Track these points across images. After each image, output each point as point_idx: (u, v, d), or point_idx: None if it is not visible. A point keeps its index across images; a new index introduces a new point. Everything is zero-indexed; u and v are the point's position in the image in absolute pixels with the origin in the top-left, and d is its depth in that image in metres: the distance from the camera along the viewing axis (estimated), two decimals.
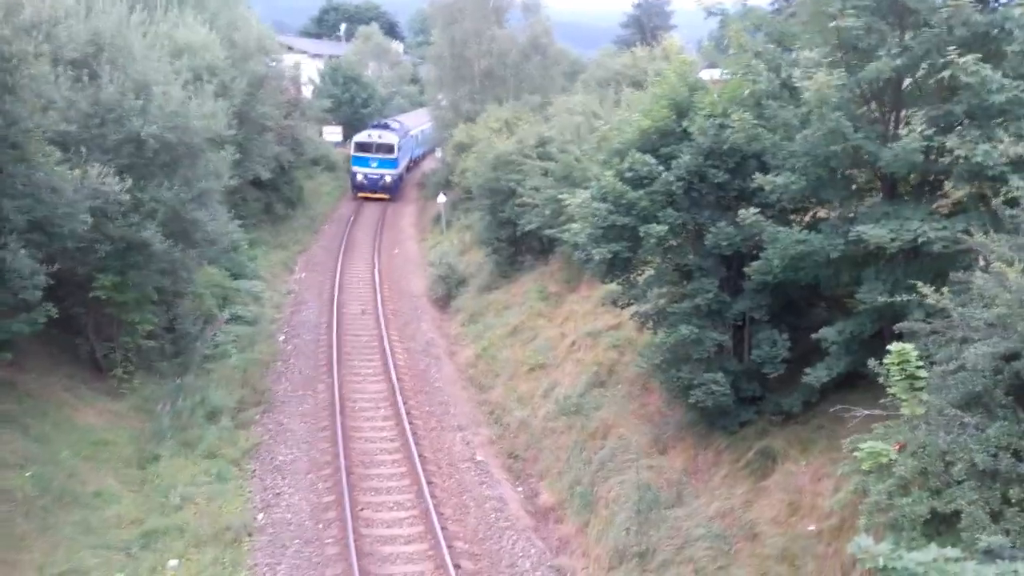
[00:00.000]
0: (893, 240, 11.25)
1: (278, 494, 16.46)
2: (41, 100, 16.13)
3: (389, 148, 48.77)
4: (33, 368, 17.73)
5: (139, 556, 13.59)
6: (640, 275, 16.43)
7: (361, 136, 49.39)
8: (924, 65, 11.83)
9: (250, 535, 14.84)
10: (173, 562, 13.48)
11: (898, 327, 10.36)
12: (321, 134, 52.72)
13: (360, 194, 49.13)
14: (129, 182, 17.28)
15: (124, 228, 18.11)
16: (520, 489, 17.53)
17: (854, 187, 13.16)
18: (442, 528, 15.04)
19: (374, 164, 48.60)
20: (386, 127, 50.76)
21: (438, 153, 51.88)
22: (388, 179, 49.20)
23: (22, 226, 15.08)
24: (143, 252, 18.81)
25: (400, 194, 50.78)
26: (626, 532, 13.88)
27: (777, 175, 12.80)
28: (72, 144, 17.36)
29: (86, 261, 17.91)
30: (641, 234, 14.45)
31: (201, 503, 15.38)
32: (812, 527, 11.31)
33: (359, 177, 49.04)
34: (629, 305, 16.94)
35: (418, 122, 59.55)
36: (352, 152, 49.23)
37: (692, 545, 12.66)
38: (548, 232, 24.44)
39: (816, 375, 12.59)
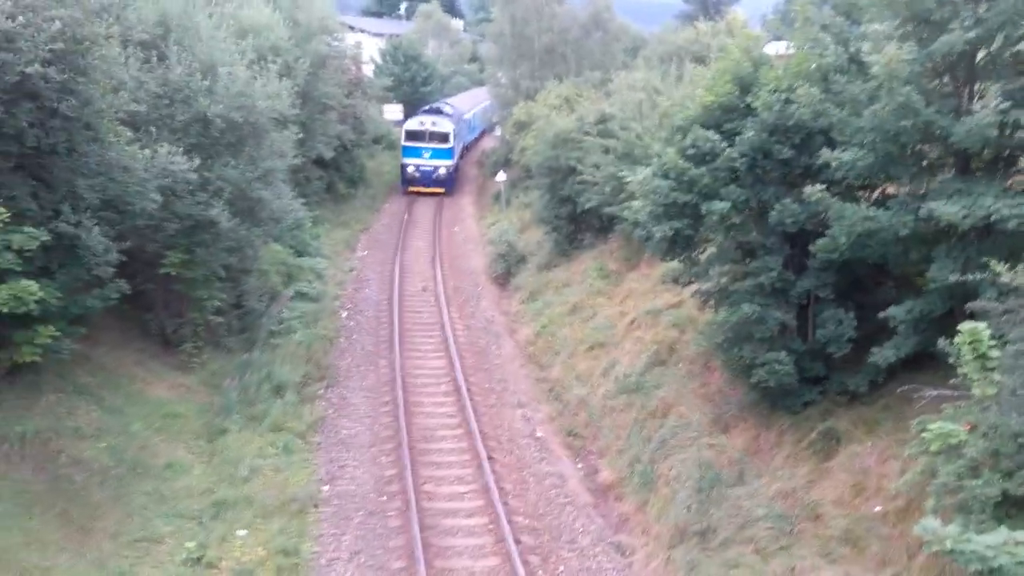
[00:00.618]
0: (965, 217, 10.92)
1: (342, 467, 16.81)
2: (112, 81, 16.54)
3: (443, 137, 44.39)
4: (106, 342, 18.33)
5: (209, 525, 14.02)
6: (702, 253, 16.25)
7: (412, 123, 45.07)
8: (999, 37, 11.40)
9: (316, 506, 15.20)
10: (242, 531, 13.88)
11: (969, 306, 10.06)
12: (382, 113, 52.77)
13: (411, 188, 44.51)
14: (197, 161, 17.68)
15: (192, 206, 18.56)
16: (580, 466, 17.60)
17: (925, 163, 12.78)
18: (503, 503, 15.19)
19: (427, 155, 44.22)
20: (439, 112, 46.62)
21: (497, 131, 51.38)
22: (443, 171, 44.69)
23: (95, 204, 15.54)
24: (210, 230, 19.25)
25: (455, 186, 46.67)
26: (687, 510, 13.84)
27: (844, 151, 12.51)
28: (142, 124, 17.81)
29: (156, 239, 18.42)
30: (703, 211, 14.28)
31: (268, 475, 15.78)
32: (877, 508, 11.13)
33: (410, 169, 44.44)
34: (690, 283, 16.79)
35: (473, 102, 57.47)
36: (402, 141, 44.81)
37: (753, 525, 12.57)
38: (608, 210, 24.30)
39: (883, 355, 12.34)
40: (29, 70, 13.41)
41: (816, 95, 12.77)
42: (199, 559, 12.97)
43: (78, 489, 13.62)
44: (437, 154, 44.39)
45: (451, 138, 44.48)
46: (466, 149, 54.97)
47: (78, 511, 13.20)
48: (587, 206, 26.28)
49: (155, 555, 13.02)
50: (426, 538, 14.10)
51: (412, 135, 44.24)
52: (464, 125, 51.63)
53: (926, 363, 12.30)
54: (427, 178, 44.42)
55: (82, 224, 15.04)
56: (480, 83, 66.01)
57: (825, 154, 12.65)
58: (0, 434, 13.67)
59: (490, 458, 16.92)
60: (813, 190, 12.64)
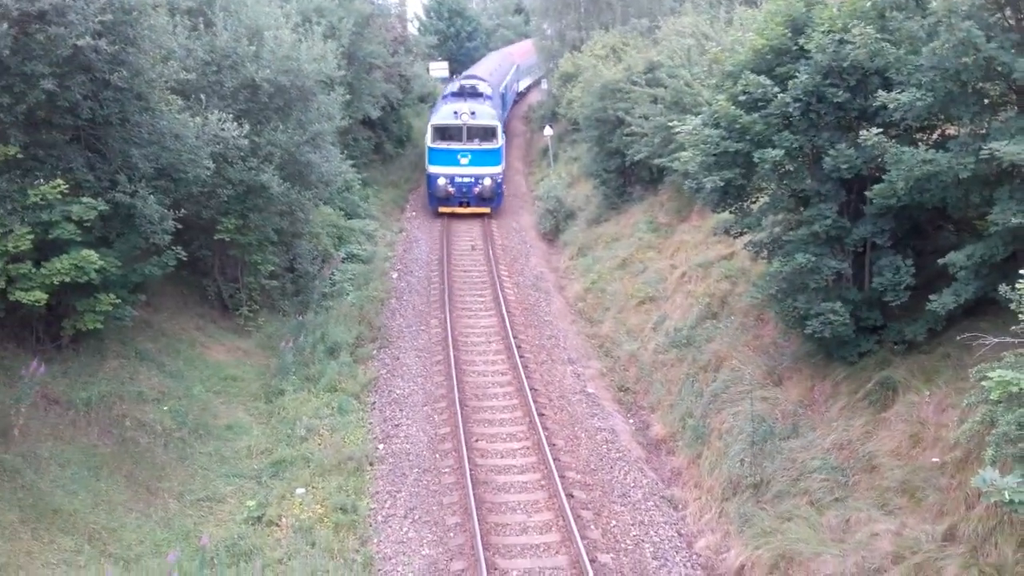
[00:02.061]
0: None
1: (396, 425, 17.06)
2: (161, 50, 16.72)
3: (488, 132, 32.18)
4: (166, 309, 18.79)
5: (269, 484, 14.39)
6: (754, 203, 15.92)
7: (443, 115, 32.47)
8: None
9: (371, 464, 15.48)
10: (300, 490, 14.22)
11: None
12: (428, 71, 52.41)
13: (443, 209, 31.95)
14: (246, 127, 17.85)
15: (244, 172, 18.80)
16: (631, 421, 17.58)
17: (986, 101, 12.24)
18: (554, 459, 15.27)
19: (465, 159, 31.55)
20: (476, 93, 34.51)
21: (544, 85, 50.55)
22: (488, 181, 31.61)
23: (150, 173, 15.83)
24: (262, 195, 19.50)
25: (503, 200, 33.92)
26: (740, 464, 13.75)
27: (902, 92, 12.06)
28: (191, 92, 18.02)
29: (210, 205, 18.72)
30: (755, 160, 13.95)
31: (325, 434, 16.10)
32: (935, 459, 10.91)
33: (441, 182, 31.44)
34: (742, 234, 16.49)
35: (510, 61, 50.60)
36: (428, 142, 32.28)
37: (808, 477, 12.43)
38: (657, 161, 23.90)
39: (942, 302, 11.99)
40: (80, 43, 13.60)
41: (872, 34, 12.31)
42: (260, 517, 13.34)
43: (143, 451, 14.07)
44: (480, 158, 31.75)
45: (497, 133, 32.22)
46: (515, 103, 52.40)
47: (144, 472, 13.65)
48: (636, 158, 25.90)
49: (218, 514, 13.43)
50: (479, 494, 14.27)
51: (443, 133, 31.94)
52: (504, 97, 42.56)
53: (987, 310, 11.96)
54: (466, 193, 31.72)
55: (138, 193, 15.35)
56: (525, 35, 65.08)
57: (882, 96, 12.23)
58: (67, 400, 14.16)
59: (541, 415, 17.00)
60: (869, 134, 12.26)
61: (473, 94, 34.33)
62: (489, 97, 35.13)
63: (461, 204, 31.71)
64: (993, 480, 6.73)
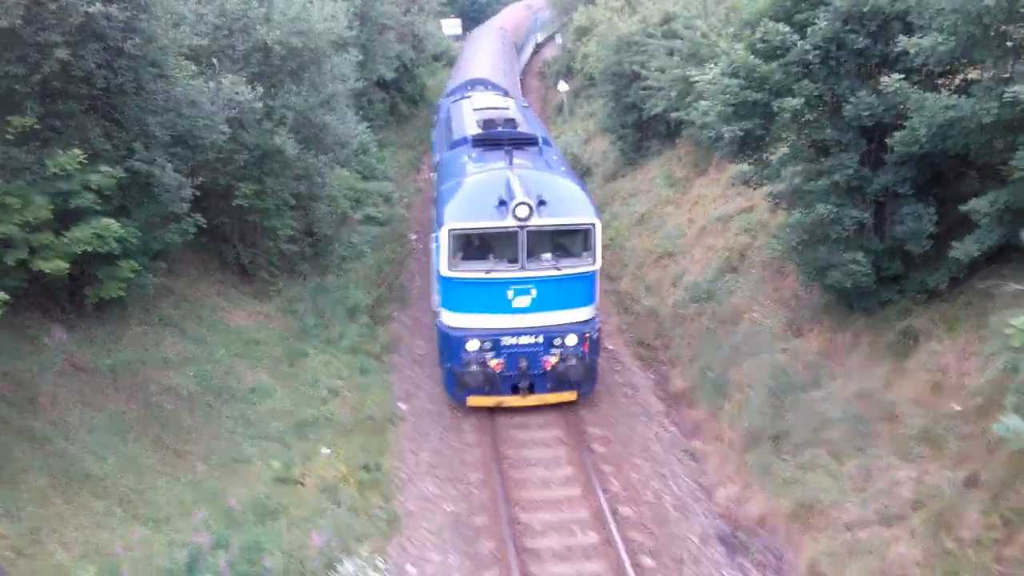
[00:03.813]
0: None
1: (418, 385, 17.19)
2: (172, 16, 16.63)
3: (574, 239, 15.31)
4: (187, 275, 18.92)
5: (293, 445, 14.58)
6: (773, 154, 15.74)
7: (470, 203, 15.10)
8: None
9: (394, 424, 15.63)
10: (325, 450, 14.41)
11: None
12: (440, 28, 51.89)
13: (477, 401, 15.56)
14: (260, 90, 17.78)
15: (259, 136, 18.76)
16: (651, 376, 17.61)
17: (1009, 44, 11.95)
18: (574, 414, 15.34)
19: (524, 299, 15.03)
20: (519, 141, 17.29)
21: (558, 39, 49.87)
22: (574, 341, 15.22)
23: (166, 141, 15.85)
24: (278, 159, 19.47)
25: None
26: (760, 415, 13.76)
27: (923, 37, 11.81)
28: (204, 57, 17.94)
29: (226, 171, 18.73)
30: (775, 109, 13.76)
31: (347, 395, 16.26)
32: (956, 407, 10.87)
33: (471, 349, 15.16)
34: (762, 186, 16.32)
35: (511, 41, 45.17)
36: (441, 254, 15.05)
37: (829, 427, 12.44)
38: (674, 115, 23.66)
39: (965, 249, 11.84)
40: (91, 9, 13.55)
41: None
42: (285, 478, 13.53)
43: (169, 415, 14.27)
44: (554, 294, 15.21)
45: (593, 237, 15.18)
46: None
47: (170, 436, 13.86)
48: (653, 112, 25.63)
49: (244, 475, 13.63)
50: (501, 450, 14.40)
51: (473, 242, 15.25)
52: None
53: (1011, 256, 11.82)
54: (528, 368, 15.39)
55: (156, 161, 15.38)
56: None
57: (903, 41, 11.99)
58: (92, 367, 14.36)
59: None
60: (891, 80, 12.05)
61: (515, 143, 16.87)
62: (543, 144, 17.77)
63: (518, 390, 15.56)
64: (1015, 427, 6.71)
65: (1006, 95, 10.89)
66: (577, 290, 15.16)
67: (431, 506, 13.26)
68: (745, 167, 16.31)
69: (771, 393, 13.83)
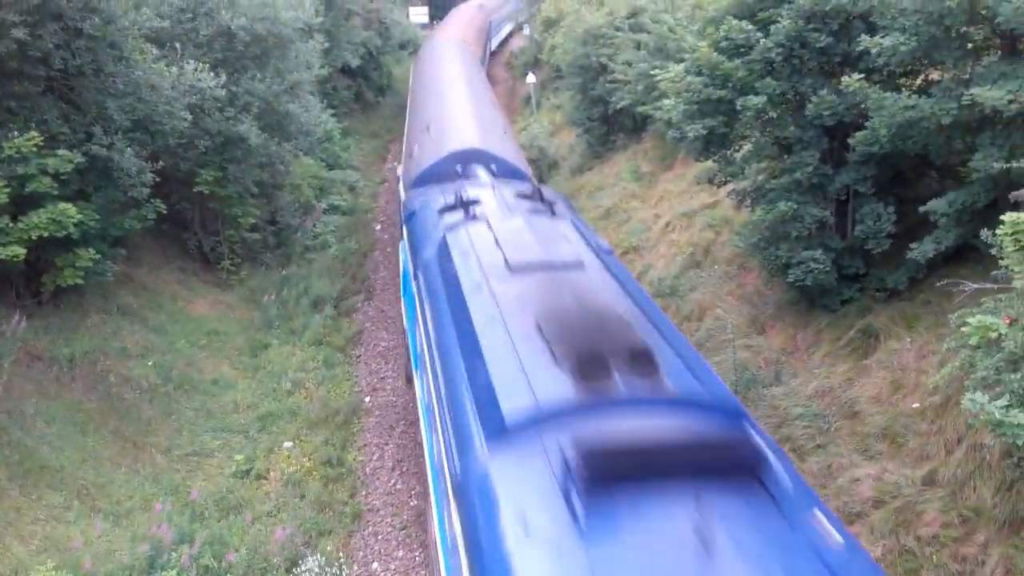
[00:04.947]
0: (1011, 102, 10.45)
1: (383, 378, 17.10)
2: None
3: None
4: (147, 263, 18.63)
5: (256, 438, 14.43)
6: (737, 151, 15.84)
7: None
8: None
9: (358, 417, 15.55)
10: (288, 443, 14.29)
11: (1014, 196, 9.74)
12: (408, 16, 51.45)
13: None
14: (223, 77, 17.52)
15: (221, 123, 18.50)
16: None
17: (969, 46, 12.17)
18: None
19: None
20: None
21: (526, 30, 49.71)
22: None
23: (126, 125, 15.58)
24: (241, 146, 19.23)
25: None
26: None
27: (884, 36, 11.96)
28: (166, 40, 17.63)
29: (188, 157, 18.47)
30: (738, 107, 13.84)
31: (311, 388, 16.12)
32: (915, 404, 11.08)
33: None
34: (726, 183, 16.43)
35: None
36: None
37: (790, 424, 12.59)
38: (641, 109, 23.71)
39: (923, 249, 12.06)
40: None
41: None
42: (248, 471, 13.41)
43: (128, 407, 14.06)
44: None
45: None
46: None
47: (130, 428, 13.66)
48: (619, 106, 25.67)
49: (206, 468, 13.49)
50: None
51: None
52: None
53: (968, 256, 12.04)
54: None
55: (115, 146, 15.11)
56: None
57: (865, 40, 12.14)
58: (50, 356, 14.08)
59: None
60: (852, 80, 12.19)
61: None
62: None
63: None
64: (982, 403, 6.90)
65: (965, 97, 11.07)
66: None
67: (396, 501, 13.22)
68: (710, 165, 16.42)
69: (734, 390, 13.92)
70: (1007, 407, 7.09)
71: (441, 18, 55.82)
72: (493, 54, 48.82)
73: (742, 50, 13.87)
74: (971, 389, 8.66)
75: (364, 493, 13.38)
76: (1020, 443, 7.04)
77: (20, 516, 11.05)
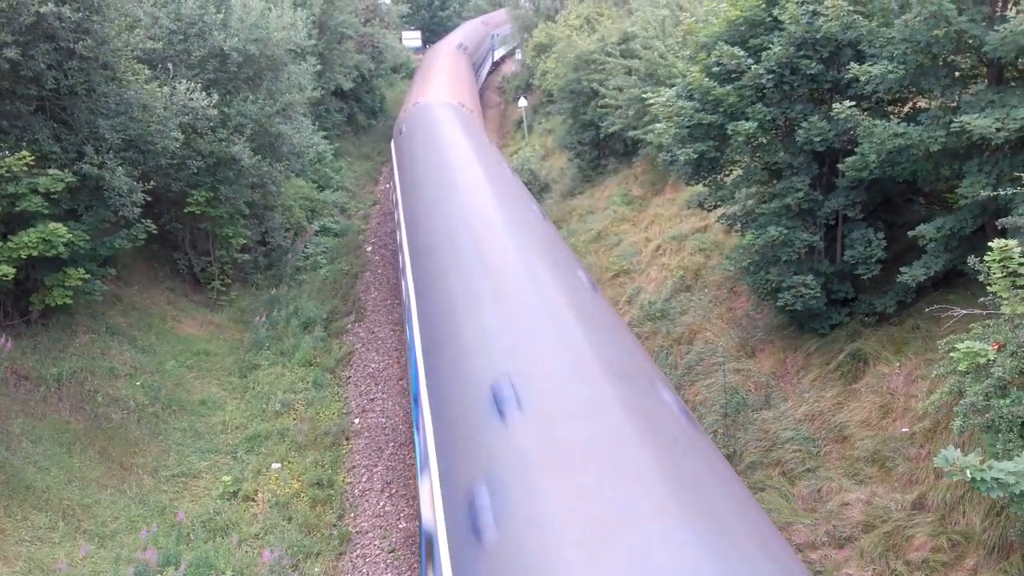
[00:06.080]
0: (998, 130, 10.57)
1: (372, 399, 17.04)
2: (126, 18, 16.39)
3: None
4: (136, 283, 18.56)
5: (244, 459, 14.33)
6: (727, 175, 15.96)
7: None
8: None
9: (347, 439, 15.47)
10: (276, 465, 14.19)
11: (1001, 222, 9.85)
12: (400, 40, 51.81)
13: None
14: (215, 97, 17.58)
15: (213, 143, 18.54)
16: None
17: (957, 74, 12.32)
18: None
19: None
20: None
21: (518, 55, 50.07)
22: None
23: (117, 145, 15.58)
24: (232, 167, 19.26)
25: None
26: (713, 435, 13.88)
27: (874, 64, 12.09)
28: (158, 61, 17.71)
29: (179, 177, 18.46)
30: (729, 132, 13.96)
31: (300, 409, 16.04)
32: (904, 429, 11.10)
33: None
34: (716, 207, 16.54)
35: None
36: None
37: (780, 448, 12.59)
38: (632, 134, 23.89)
39: (912, 274, 12.13)
40: (43, 9, 13.32)
41: (845, 6, 12.32)
42: (236, 492, 13.30)
43: (116, 427, 13.94)
44: None
45: None
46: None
47: (117, 448, 13.54)
48: (610, 130, 25.84)
49: (193, 490, 13.37)
50: None
51: None
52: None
53: (957, 282, 12.12)
54: None
55: (106, 165, 15.11)
56: (499, 5, 64.40)
57: (854, 68, 12.27)
58: (37, 375, 13.98)
59: None
60: (842, 107, 12.30)
61: None
62: None
63: None
64: (955, 459, 6.84)
65: (953, 124, 11.20)
66: None
67: (385, 523, 13.13)
68: (700, 189, 16.51)
69: (723, 413, 13.97)
70: (981, 461, 6.88)
71: (434, 42, 56.13)
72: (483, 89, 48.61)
73: (733, 76, 14.01)
74: (960, 415, 8.71)
75: (352, 515, 13.28)
76: (997, 496, 6.86)
77: (4, 537, 10.91)
